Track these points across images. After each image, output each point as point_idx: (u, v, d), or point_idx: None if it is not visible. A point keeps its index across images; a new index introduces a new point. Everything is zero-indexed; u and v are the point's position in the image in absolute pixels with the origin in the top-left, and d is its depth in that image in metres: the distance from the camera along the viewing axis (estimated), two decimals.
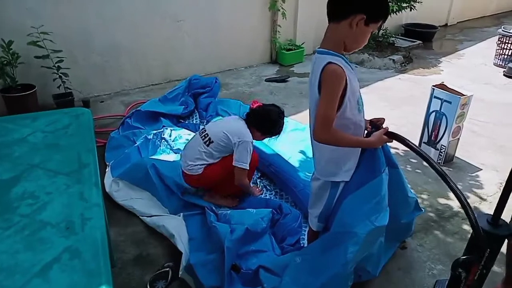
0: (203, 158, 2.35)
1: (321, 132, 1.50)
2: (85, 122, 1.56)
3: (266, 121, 2.42)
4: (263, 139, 2.53)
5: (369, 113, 1.76)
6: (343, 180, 1.68)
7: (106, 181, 2.68)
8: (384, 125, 1.70)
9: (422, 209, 2.09)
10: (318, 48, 1.56)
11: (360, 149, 1.67)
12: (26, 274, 0.86)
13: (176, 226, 2.23)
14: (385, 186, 1.63)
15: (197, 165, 2.34)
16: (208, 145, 2.34)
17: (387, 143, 1.67)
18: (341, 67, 1.45)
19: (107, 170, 2.81)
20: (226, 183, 2.42)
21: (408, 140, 1.60)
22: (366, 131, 1.70)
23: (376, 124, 1.68)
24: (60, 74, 3.65)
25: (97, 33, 3.98)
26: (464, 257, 1.56)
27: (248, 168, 2.33)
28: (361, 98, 1.62)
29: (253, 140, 2.38)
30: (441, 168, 1.47)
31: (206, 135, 2.37)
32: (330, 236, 1.67)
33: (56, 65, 3.62)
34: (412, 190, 2.03)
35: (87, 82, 4.07)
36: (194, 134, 2.75)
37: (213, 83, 3.90)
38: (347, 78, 1.47)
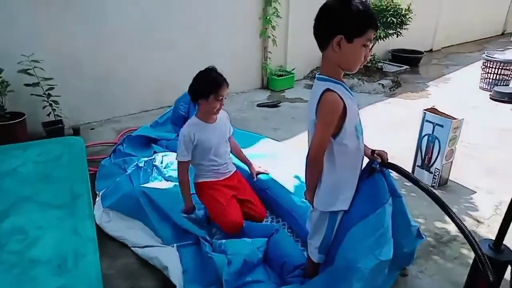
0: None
1: (314, 153, 1.54)
2: (77, 152, 1.52)
3: (197, 84, 2.40)
4: (217, 100, 2.35)
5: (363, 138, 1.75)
6: (341, 209, 1.65)
7: (96, 211, 2.60)
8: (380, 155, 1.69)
9: (423, 236, 2.05)
10: (318, 74, 1.56)
11: (358, 177, 1.65)
12: None
13: (169, 258, 2.15)
14: (389, 218, 1.60)
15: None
16: None
17: (390, 171, 1.66)
18: (339, 95, 1.45)
19: (97, 199, 2.73)
20: None
21: (404, 170, 1.60)
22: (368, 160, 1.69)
23: (379, 157, 1.66)
24: (50, 102, 3.61)
25: (88, 60, 3.97)
26: None
27: (184, 160, 2.31)
28: (360, 125, 1.62)
29: (190, 128, 2.32)
30: (443, 202, 1.46)
31: None
32: (333, 271, 1.62)
33: (47, 92, 3.58)
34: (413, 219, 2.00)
35: (77, 109, 4.02)
36: None
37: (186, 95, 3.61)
38: (346, 105, 1.47)
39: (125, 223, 2.48)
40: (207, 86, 2.35)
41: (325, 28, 1.46)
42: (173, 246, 2.27)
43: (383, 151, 1.68)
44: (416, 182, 1.54)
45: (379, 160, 1.63)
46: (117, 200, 2.57)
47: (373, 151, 1.67)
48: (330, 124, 1.48)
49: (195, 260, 2.18)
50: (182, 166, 2.34)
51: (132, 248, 2.34)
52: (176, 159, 2.35)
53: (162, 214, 2.42)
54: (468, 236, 1.34)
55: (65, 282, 0.88)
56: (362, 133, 1.64)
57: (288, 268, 1.97)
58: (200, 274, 2.08)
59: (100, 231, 2.45)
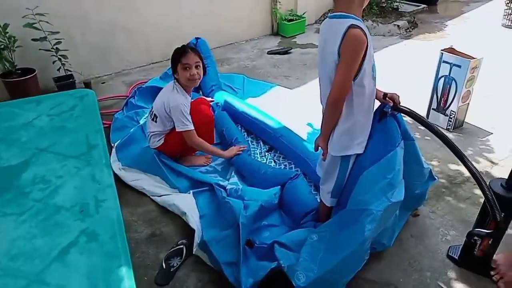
0: (157, 131, 2.49)
1: (338, 95, 1.48)
2: (90, 103, 1.53)
3: (171, 59, 2.40)
4: (186, 69, 2.35)
5: (377, 82, 1.71)
6: (354, 153, 1.65)
7: (112, 163, 2.67)
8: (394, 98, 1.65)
9: (436, 177, 2.06)
10: (333, 13, 1.49)
11: (372, 120, 1.63)
12: (45, 259, 0.85)
13: (187, 204, 2.23)
14: (400, 160, 1.60)
15: (156, 139, 2.51)
16: (156, 122, 2.47)
17: (402, 115, 1.63)
18: (364, 31, 1.39)
19: (112, 151, 2.79)
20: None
21: (416, 113, 1.58)
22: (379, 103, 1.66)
23: (391, 100, 1.62)
24: (59, 57, 3.58)
25: (93, 13, 3.88)
26: (479, 230, 1.54)
27: (191, 128, 2.39)
28: (375, 65, 1.57)
29: (185, 100, 2.40)
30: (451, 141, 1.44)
31: (152, 112, 2.51)
32: (346, 214, 1.65)
33: (55, 47, 3.54)
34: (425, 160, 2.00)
35: (87, 63, 3.99)
36: None
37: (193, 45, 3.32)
38: (368, 43, 1.41)
39: (142, 174, 2.55)
40: (172, 57, 2.41)
41: None
42: (189, 193, 2.35)
43: (395, 94, 1.64)
44: (427, 124, 1.52)
45: (391, 104, 1.60)
46: (133, 159, 2.63)
47: (385, 94, 1.63)
48: (356, 63, 1.43)
49: (211, 206, 2.26)
50: (191, 133, 2.41)
51: (151, 197, 2.43)
52: (184, 129, 2.38)
53: (176, 170, 2.49)
54: (475, 174, 1.35)
55: (88, 225, 0.92)
56: (376, 74, 1.59)
57: (301, 214, 2.03)
58: (217, 218, 2.16)
59: (119, 182, 2.54)
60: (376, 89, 1.64)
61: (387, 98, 1.62)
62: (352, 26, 1.39)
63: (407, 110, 1.59)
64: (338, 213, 1.73)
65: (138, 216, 2.32)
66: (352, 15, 1.43)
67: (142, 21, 4.21)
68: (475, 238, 1.69)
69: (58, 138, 1.30)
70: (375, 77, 1.57)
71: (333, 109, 1.55)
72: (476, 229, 1.69)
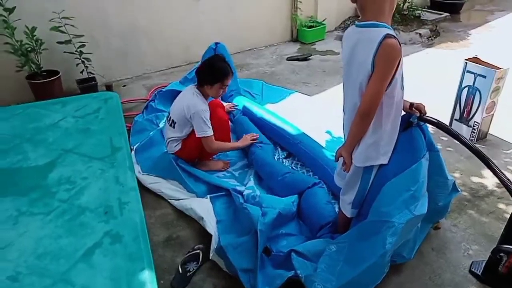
0: (175, 137, 2.53)
1: (370, 106, 1.45)
2: (114, 106, 1.55)
3: (210, 71, 2.46)
4: (222, 88, 2.50)
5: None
6: (378, 164, 1.62)
7: None
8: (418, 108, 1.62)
9: (459, 189, 2.01)
10: (361, 21, 1.46)
11: (398, 130, 1.60)
12: (70, 259, 0.86)
13: (204, 209, 2.24)
14: (425, 172, 1.57)
15: (173, 145, 2.55)
16: (174, 127, 2.51)
17: (428, 125, 1.59)
18: (399, 41, 1.37)
19: (132, 154, 2.82)
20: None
21: (443, 124, 1.54)
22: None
23: (417, 110, 1.60)
24: (82, 59, 3.66)
25: (116, 17, 3.96)
26: (506, 246, 1.49)
27: (210, 134, 2.43)
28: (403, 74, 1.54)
29: (206, 106, 2.44)
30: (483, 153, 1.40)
31: (170, 118, 2.54)
32: (367, 225, 1.62)
33: (79, 50, 3.62)
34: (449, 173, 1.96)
35: (109, 66, 4.07)
36: None
37: (211, 50, 3.47)
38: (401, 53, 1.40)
39: (160, 178, 2.57)
40: (215, 75, 2.46)
41: None
42: (207, 198, 2.35)
43: (421, 104, 1.61)
44: (456, 136, 1.49)
45: (418, 114, 1.57)
46: (151, 164, 2.66)
47: (411, 104, 1.60)
48: (390, 73, 1.40)
49: (228, 211, 2.26)
50: (211, 138, 2.45)
51: (169, 200, 2.44)
52: (203, 135, 2.42)
53: (194, 174, 2.51)
54: (509, 186, 1.30)
55: (112, 227, 0.93)
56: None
57: (317, 225, 2.00)
58: (234, 224, 2.15)
59: (138, 183, 2.56)
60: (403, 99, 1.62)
61: (413, 108, 1.59)
62: (388, 36, 1.36)
63: (434, 120, 1.56)
64: (358, 224, 1.70)
65: (155, 219, 2.33)
66: (384, 24, 1.41)
67: (162, 25, 4.27)
68: (501, 254, 1.63)
69: (83, 139, 1.32)
70: (403, 87, 1.55)
71: (364, 120, 1.51)
72: (504, 245, 1.64)
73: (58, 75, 3.56)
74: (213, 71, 2.46)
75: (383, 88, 1.43)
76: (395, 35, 1.39)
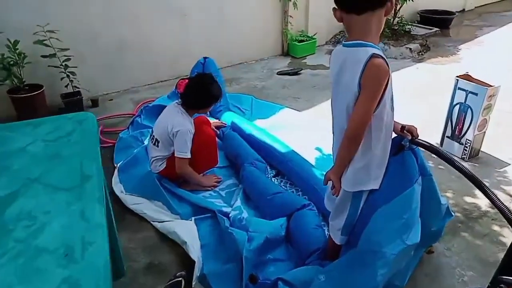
0: (159, 156, 2.44)
1: (358, 129, 1.39)
2: (88, 128, 1.45)
3: (200, 96, 2.39)
4: (208, 110, 2.57)
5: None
6: (369, 189, 1.54)
7: (114, 185, 2.60)
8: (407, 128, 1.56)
9: (452, 213, 1.94)
10: (348, 40, 1.40)
11: (388, 153, 1.53)
12: None
13: (187, 232, 2.14)
14: (418, 198, 1.49)
15: (158, 164, 2.46)
16: (158, 146, 2.42)
17: (420, 149, 1.53)
18: (385, 61, 1.31)
19: (115, 172, 2.72)
20: (195, 165, 2.47)
21: (437, 147, 1.48)
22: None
23: (409, 133, 1.53)
24: (67, 73, 3.57)
25: (102, 30, 3.88)
26: (507, 278, 1.41)
27: (189, 156, 2.35)
28: (393, 95, 1.48)
29: (192, 128, 2.38)
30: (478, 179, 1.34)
31: (153, 137, 2.46)
32: (357, 255, 1.53)
33: (64, 64, 3.53)
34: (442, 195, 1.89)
35: (95, 80, 3.97)
36: None
37: (200, 64, 3.48)
38: (389, 73, 1.33)
39: (144, 199, 2.47)
40: (207, 100, 2.43)
41: None
42: (191, 220, 2.25)
43: (413, 127, 1.54)
44: (450, 160, 1.41)
45: (409, 137, 1.51)
46: (135, 183, 2.56)
47: (402, 127, 1.53)
48: (378, 94, 1.34)
49: (214, 234, 2.17)
50: (186, 161, 2.37)
51: (151, 222, 2.33)
52: (182, 156, 2.35)
53: (178, 195, 2.42)
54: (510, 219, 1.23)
55: (71, 273, 0.83)
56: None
57: (306, 251, 1.91)
58: (219, 249, 2.06)
59: (120, 205, 2.46)
60: (393, 120, 1.55)
61: (404, 131, 1.52)
62: (374, 56, 1.30)
63: (426, 144, 1.49)
64: (348, 252, 1.61)
65: (137, 242, 2.22)
66: (371, 43, 1.34)
67: (150, 39, 4.21)
68: (502, 286, 1.55)
69: (52, 167, 1.22)
70: (393, 108, 1.48)
71: (351, 143, 1.44)
72: (505, 277, 1.55)
73: (42, 90, 3.46)
74: (203, 98, 2.40)
75: (371, 110, 1.37)
76: (382, 54, 1.33)
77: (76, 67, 3.58)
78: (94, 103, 3.85)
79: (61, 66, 3.53)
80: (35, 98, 3.42)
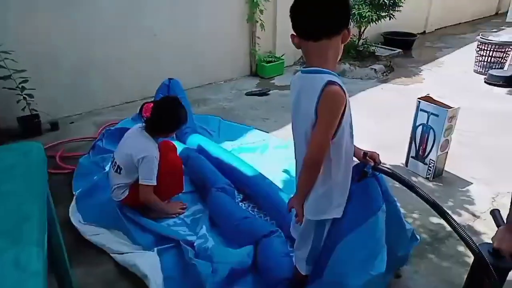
0: (121, 183, 2.33)
1: (316, 156, 1.38)
2: (34, 161, 1.34)
3: (165, 121, 2.33)
4: (174, 134, 2.52)
5: (356, 128, 1.59)
6: (332, 218, 1.51)
7: (72, 215, 2.44)
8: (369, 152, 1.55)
9: (418, 236, 1.94)
10: (306, 67, 1.39)
11: (350, 180, 1.50)
12: None
13: (149, 265, 2.02)
14: (382, 226, 1.47)
15: (120, 192, 2.34)
16: (120, 173, 2.31)
17: (384, 175, 1.51)
18: (342, 88, 1.29)
19: (73, 201, 2.57)
20: (160, 192, 2.36)
21: (399, 175, 1.47)
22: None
23: (372, 159, 1.52)
24: (24, 96, 3.40)
25: (65, 50, 3.74)
26: None
27: (154, 184, 2.26)
28: (352, 122, 1.46)
29: (158, 154, 2.29)
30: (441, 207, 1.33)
31: (115, 164, 2.35)
32: (323, 286, 1.48)
33: (20, 85, 3.36)
34: (407, 221, 1.88)
35: (55, 103, 3.81)
36: None
37: (165, 86, 3.42)
38: (346, 99, 1.32)
39: (103, 229, 2.33)
40: (173, 124, 2.38)
41: (345, 15, 1.31)
42: (153, 251, 2.14)
43: (375, 153, 1.53)
44: (412, 188, 1.41)
45: (372, 164, 1.49)
46: (94, 213, 2.42)
47: (365, 153, 1.52)
48: (335, 121, 1.33)
49: (178, 265, 2.07)
50: (151, 188, 2.28)
51: (111, 255, 2.19)
52: (147, 183, 2.25)
53: (141, 224, 2.30)
54: (475, 251, 1.22)
55: None
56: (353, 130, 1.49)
57: (274, 282, 1.84)
58: (183, 281, 1.96)
59: (77, 236, 2.31)
60: (355, 146, 1.54)
61: (367, 158, 1.51)
62: (329, 83, 1.29)
63: (389, 170, 1.48)
64: (314, 282, 1.56)
65: (95, 277, 2.08)
66: (327, 70, 1.33)
67: (118, 59, 4.10)
68: None
69: None
70: (353, 135, 1.46)
71: (310, 171, 1.42)
72: None
73: None
74: (168, 122, 2.33)
75: (328, 138, 1.35)
76: (339, 81, 1.32)
77: (34, 89, 3.42)
78: (54, 126, 3.68)
79: (18, 88, 3.36)
80: None
